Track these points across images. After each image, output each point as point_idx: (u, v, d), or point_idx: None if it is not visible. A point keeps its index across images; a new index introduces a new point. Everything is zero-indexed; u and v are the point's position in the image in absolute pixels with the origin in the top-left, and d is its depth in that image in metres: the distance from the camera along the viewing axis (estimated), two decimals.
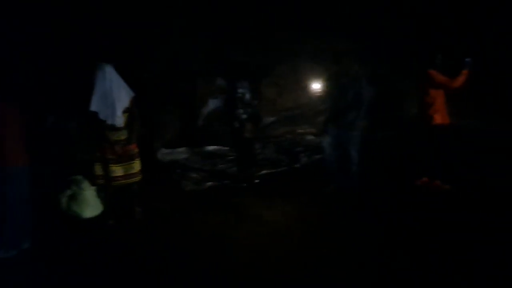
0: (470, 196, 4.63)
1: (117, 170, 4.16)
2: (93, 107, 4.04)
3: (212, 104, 7.71)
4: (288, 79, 8.51)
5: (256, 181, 5.69)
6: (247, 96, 5.43)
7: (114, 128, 4.11)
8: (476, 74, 4.82)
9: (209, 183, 5.72)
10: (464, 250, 3.36)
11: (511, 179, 4.94)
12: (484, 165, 5.60)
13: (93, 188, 4.48)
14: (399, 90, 8.90)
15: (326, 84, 5.07)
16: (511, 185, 4.77)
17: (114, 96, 4.04)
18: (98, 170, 4.18)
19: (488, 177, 5.12)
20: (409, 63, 7.78)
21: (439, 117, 4.85)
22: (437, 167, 4.93)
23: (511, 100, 7.35)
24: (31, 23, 5.53)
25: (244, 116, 5.44)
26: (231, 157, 6.59)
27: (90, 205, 4.40)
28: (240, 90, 5.42)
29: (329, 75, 5.17)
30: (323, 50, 7.31)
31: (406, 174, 5.33)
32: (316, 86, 8.07)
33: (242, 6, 7.52)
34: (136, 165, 4.27)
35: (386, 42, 8.38)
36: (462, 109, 7.48)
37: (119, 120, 4.10)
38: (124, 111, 4.14)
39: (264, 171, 6.14)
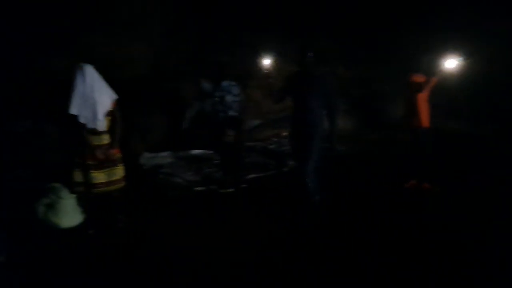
0: (459, 198, 4.62)
1: (99, 177, 3.94)
2: (73, 110, 3.80)
3: (197, 106, 7.51)
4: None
5: (244, 186, 5.53)
6: (229, 98, 5.26)
7: (95, 132, 3.89)
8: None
9: (195, 189, 5.53)
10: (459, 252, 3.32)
11: (500, 181, 4.95)
12: (474, 168, 5.62)
13: (73, 196, 4.22)
14: (384, 92, 8.92)
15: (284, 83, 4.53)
16: (499, 187, 4.79)
17: (95, 99, 3.81)
18: (78, 177, 3.93)
19: (478, 180, 5.13)
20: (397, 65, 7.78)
21: (421, 120, 4.85)
22: (423, 169, 4.92)
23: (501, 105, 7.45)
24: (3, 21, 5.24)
25: (226, 119, 5.27)
26: (217, 161, 6.41)
27: (69, 214, 4.14)
28: (220, 93, 5.25)
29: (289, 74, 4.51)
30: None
31: (395, 177, 5.28)
32: None
33: (227, 6, 7.37)
34: (119, 171, 4.05)
35: (372, 43, 8.37)
36: (457, 112, 7.58)
37: (101, 123, 3.88)
38: (106, 115, 3.92)
39: (251, 175, 5.98)
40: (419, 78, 4.84)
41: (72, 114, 3.81)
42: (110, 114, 3.95)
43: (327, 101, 4.25)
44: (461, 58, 4.43)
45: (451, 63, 4.44)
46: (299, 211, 4.39)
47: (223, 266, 3.31)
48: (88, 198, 4.05)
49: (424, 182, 4.96)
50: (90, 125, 3.84)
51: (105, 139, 3.95)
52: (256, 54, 4.86)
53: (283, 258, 3.42)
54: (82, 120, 3.82)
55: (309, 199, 4.31)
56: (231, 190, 5.38)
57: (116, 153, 4.02)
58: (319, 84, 4.28)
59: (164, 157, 6.70)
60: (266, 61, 4.57)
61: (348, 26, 8.16)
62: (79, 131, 3.87)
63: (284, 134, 8.34)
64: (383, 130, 8.37)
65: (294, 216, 4.34)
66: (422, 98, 4.86)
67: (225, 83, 5.27)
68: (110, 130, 3.98)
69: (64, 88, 3.94)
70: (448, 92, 6.28)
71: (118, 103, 4.04)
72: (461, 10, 7.53)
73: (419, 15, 7.78)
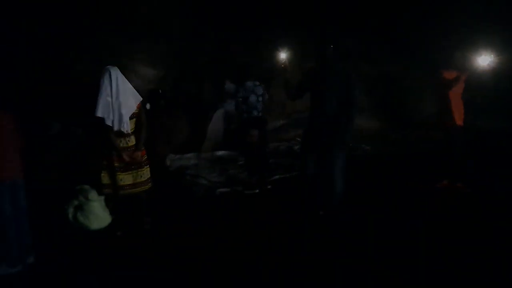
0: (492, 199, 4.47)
1: (125, 179, 3.96)
2: (99, 112, 3.82)
3: (221, 107, 7.51)
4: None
5: (269, 187, 5.47)
6: (252, 98, 5.21)
7: (121, 134, 3.90)
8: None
9: (221, 190, 5.51)
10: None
11: None
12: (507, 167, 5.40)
13: (101, 198, 4.27)
14: (411, 90, 8.71)
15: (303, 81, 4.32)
16: None
17: (121, 101, 3.82)
18: (105, 179, 3.97)
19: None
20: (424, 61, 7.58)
21: (454, 118, 4.68)
22: (456, 169, 4.75)
23: None
24: (29, 24, 5.36)
25: (250, 119, 5.22)
26: (241, 162, 6.38)
27: (98, 216, 4.17)
28: (244, 93, 5.21)
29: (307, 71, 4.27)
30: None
31: (426, 177, 5.13)
32: None
33: (250, 7, 7.35)
34: (145, 173, 4.05)
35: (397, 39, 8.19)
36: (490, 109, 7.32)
37: (127, 126, 3.89)
38: (132, 117, 3.93)
39: (276, 176, 5.92)
40: (449, 74, 4.67)
41: (98, 117, 3.82)
42: (135, 116, 3.96)
43: (347, 98, 4.06)
44: (492, 55, 4.26)
45: (484, 60, 4.28)
46: (310, 215, 4.27)
47: (229, 266, 3.30)
48: (116, 199, 4.08)
49: (457, 182, 4.79)
50: (116, 128, 3.85)
51: (131, 141, 3.96)
52: (279, 54, 4.80)
53: (289, 261, 3.37)
54: (108, 122, 3.83)
55: (320, 202, 4.21)
56: (256, 191, 5.34)
57: (142, 155, 4.03)
58: (339, 81, 4.09)
59: (189, 158, 6.71)
60: (282, 55, 4.47)
61: (372, 21, 8.00)
62: (105, 134, 3.89)
63: None
64: (410, 129, 8.16)
65: (309, 219, 4.24)
66: (455, 95, 4.69)
67: (249, 83, 5.24)
68: (136, 132, 3.99)
69: (90, 91, 3.99)
70: (479, 89, 6.07)
71: (143, 105, 4.05)
72: (490, 5, 7.29)
73: (447, 9, 7.56)
